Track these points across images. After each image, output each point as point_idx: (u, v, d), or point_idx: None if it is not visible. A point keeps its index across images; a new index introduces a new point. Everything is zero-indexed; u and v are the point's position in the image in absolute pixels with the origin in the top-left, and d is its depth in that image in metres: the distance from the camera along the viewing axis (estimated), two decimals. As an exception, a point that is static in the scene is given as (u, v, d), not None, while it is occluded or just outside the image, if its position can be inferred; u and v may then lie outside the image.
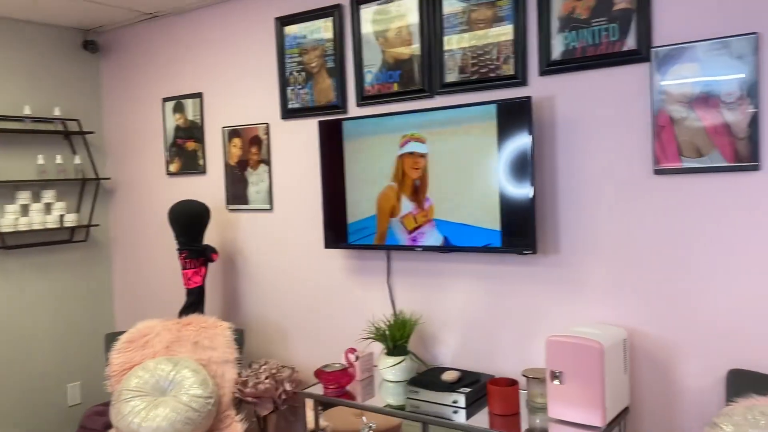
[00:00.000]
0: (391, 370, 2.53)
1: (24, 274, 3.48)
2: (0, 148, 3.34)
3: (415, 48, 2.63)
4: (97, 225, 3.76)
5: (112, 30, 3.74)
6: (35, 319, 3.53)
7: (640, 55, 2.14)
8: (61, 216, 3.55)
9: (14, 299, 3.44)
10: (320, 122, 2.80)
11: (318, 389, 2.56)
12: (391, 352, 2.55)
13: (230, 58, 3.26)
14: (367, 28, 2.76)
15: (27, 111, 3.42)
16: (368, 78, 2.78)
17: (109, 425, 3.23)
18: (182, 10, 3.39)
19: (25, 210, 3.42)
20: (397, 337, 2.55)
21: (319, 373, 2.54)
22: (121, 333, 2.98)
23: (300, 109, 3.01)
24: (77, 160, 3.63)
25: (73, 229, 3.65)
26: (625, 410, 2.15)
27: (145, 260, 3.74)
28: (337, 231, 2.79)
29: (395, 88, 2.70)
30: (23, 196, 3.41)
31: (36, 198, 3.49)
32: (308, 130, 3.00)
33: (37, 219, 3.44)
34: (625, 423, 2.26)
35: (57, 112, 3.55)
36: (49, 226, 3.49)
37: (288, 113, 3.05)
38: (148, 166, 3.67)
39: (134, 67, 3.68)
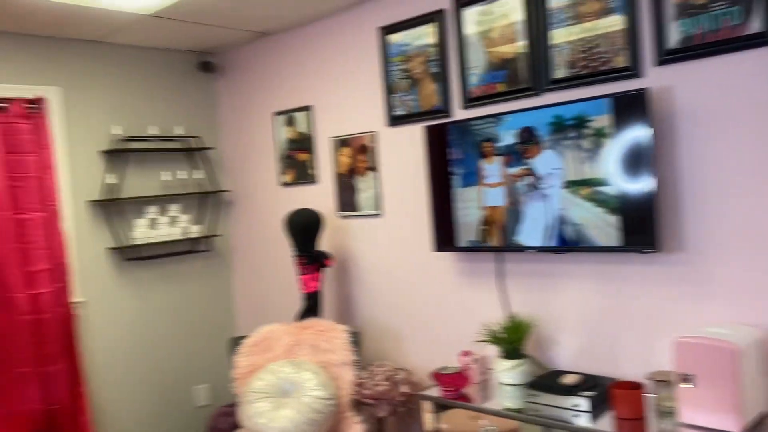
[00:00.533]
0: (508, 373, 2.51)
1: (153, 282, 3.74)
2: (130, 166, 3.61)
3: (520, 46, 2.60)
4: (219, 235, 3.99)
5: (226, 51, 3.95)
6: (163, 324, 3.79)
7: (766, 38, 2.01)
8: (186, 228, 3.80)
9: (144, 306, 3.71)
10: (426, 127, 2.82)
11: (435, 391, 2.58)
12: (507, 355, 2.53)
13: (336, 70, 3.36)
14: (469, 29, 2.76)
15: (152, 131, 3.69)
16: (472, 80, 2.78)
17: (235, 425, 3.41)
18: (290, 27, 3.54)
19: (153, 223, 3.68)
20: (513, 339, 2.52)
21: (436, 376, 2.56)
22: (244, 337, 3.14)
23: (405, 116, 3.05)
24: (198, 174, 3.87)
25: (196, 240, 3.89)
26: (763, 416, 2.02)
27: (262, 267, 3.91)
28: (446, 234, 2.80)
29: (500, 88, 2.69)
30: (151, 210, 3.68)
31: (163, 212, 3.75)
32: (414, 135, 3.04)
33: (165, 231, 3.70)
34: (763, 430, 2.12)
35: (179, 131, 3.80)
36: (175, 237, 3.74)
37: (393, 120, 3.10)
38: (262, 178, 3.84)
39: (247, 85, 3.87)
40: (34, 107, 3.25)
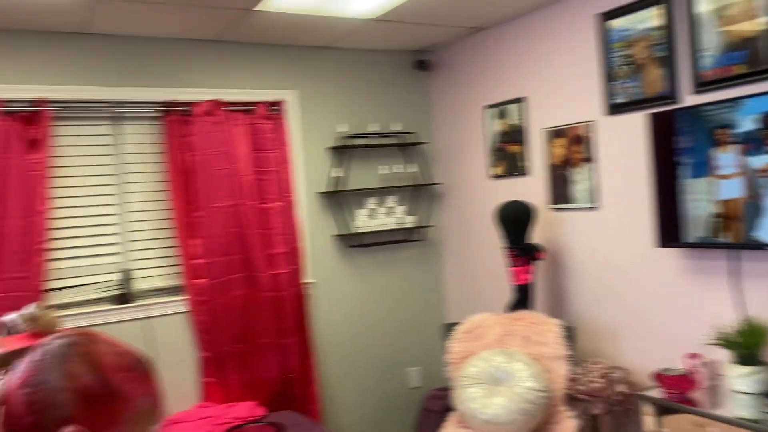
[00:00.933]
0: (742, 380, 2.31)
1: (372, 267, 4.02)
2: (353, 161, 3.91)
3: (763, 22, 2.36)
4: (431, 226, 4.16)
5: (440, 48, 4.09)
6: (380, 307, 4.05)
7: None
8: (401, 218, 4.02)
9: (364, 289, 4.00)
10: (651, 114, 2.68)
11: (656, 393, 2.46)
12: (742, 361, 2.33)
13: (551, 60, 3.32)
14: (702, 8, 2.57)
15: (372, 128, 3.95)
16: (705, 62, 2.58)
17: (447, 408, 3.54)
18: (504, 21, 3.57)
19: (372, 213, 3.95)
20: (749, 344, 2.31)
21: (660, 377, 2.44)
22: (456, 324, 3.25)
23: (626, 104, 2.92)
24: (412, 168, 4.07)
25: (410, 230, 4.10)
26: None
27: (472, 257, 4.01)
28: (671, 228, 2.64)
29: (738, 70, 2.46)
30: (371, 201, 3.95)
31: (381, 203, 4.00)
32: (635, 123, 2.90)
33: (382, 221, 3.95)
34: None
35: (396, 127, 4.03)
36: (391, 227, 3.98)
37: (613, 108, 2.99)
38: (473, 171, 3.93)
39: (459, 80, 3.98)
40: (274, 109, 3.67)
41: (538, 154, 3.45)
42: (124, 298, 3.30)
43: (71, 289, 3.24)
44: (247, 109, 3.61)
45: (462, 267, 4.11)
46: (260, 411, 3.37)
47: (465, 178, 4.01)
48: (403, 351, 4.12)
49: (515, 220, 3.21)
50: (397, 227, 4.00)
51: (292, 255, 3.66)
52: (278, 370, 3.62)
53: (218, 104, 3.49)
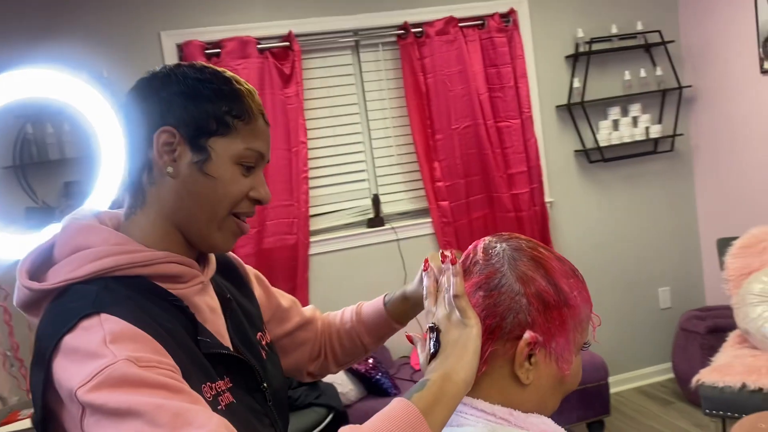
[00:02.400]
0: None
1: (613, 184, 3.76)
2: (592, 68, 3.61)
3: None
4: (680, 135, 3.77)
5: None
6: (625, 225, 3.80)
7: None
8: (647, 128, 3.68)
9: (605, 207, 3.76)
10: None
11: None
12: None
13: None
14: None
15: (614, 30, 3.61)
16: None
17: (712, 328, 3.27)
18: None
19: (615, 125, 3.66)
20: None
21: None
22: (733, 239, 2.93)
23: None
24: (658, 71, 3.68)
25: (656, 141, 3.75)
26: None
27: (733, 167, 3.57)
28: None
29: None
30: (614, 112, 3.66)
31: (624, 113, 3.69)
32: None
33: (626, 132, 3.65)
34: None
35: (639, 27, 3.64)
36: (636, 138, 3.66)
37: None
38: (735, 68, 3.45)
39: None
40: (506, 20, 3.49)
41: (829, 38, 2.91)
42: (375, 221, 3.43)
43: (328, 215, 3.43)
44: (479, 23, 3.47)
45: (719, 179, 3.69)
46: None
47: (724, 78, 3.54)
48: (651, 270, 3.86)
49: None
50: (641, 138, 3.68)
51: (532, 174, 3.54)
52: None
53: (451, 21, 3.39)
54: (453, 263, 0.87)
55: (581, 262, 3.70)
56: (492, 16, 3.45)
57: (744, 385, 2.48)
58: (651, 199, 3.83)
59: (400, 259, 3.44)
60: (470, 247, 0.94)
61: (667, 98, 3.76)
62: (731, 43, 3.45)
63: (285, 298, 1.20)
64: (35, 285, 0.86)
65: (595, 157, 3.68)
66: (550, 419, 0.89)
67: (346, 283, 3.37)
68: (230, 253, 1.12)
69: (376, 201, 3.45)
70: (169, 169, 0.90)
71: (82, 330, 0.79)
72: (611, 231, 3.78)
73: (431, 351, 0.85)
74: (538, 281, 0.85)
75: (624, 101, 3.69)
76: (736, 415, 2.44)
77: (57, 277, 0.86)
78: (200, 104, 0.90)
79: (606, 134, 3.63)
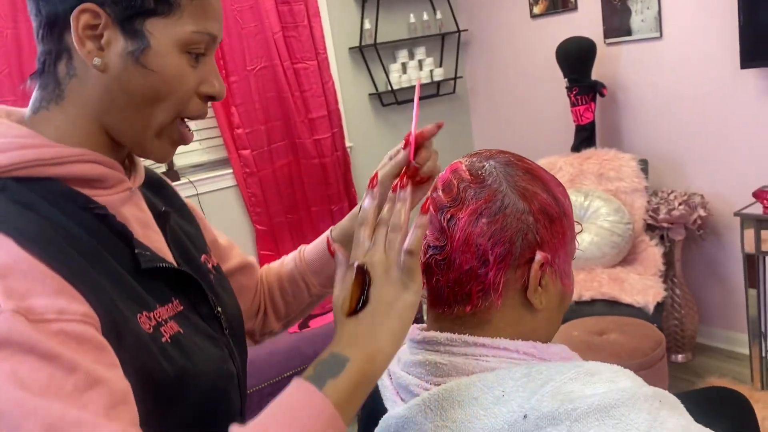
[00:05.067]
0: None
1: (405, 126, 3.86)
2: (382, 10, 3.59)
3: None
4: (460, 77, 3.99)
5: None
6: (416, 168, 3.94)
7: None
8: (431, 71, 3.82)
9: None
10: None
11: (755, 210, 2.53)
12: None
13: None
14: None
15: (399, -29, 3.63)
16: None
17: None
18: None
19: (404, 68, 3.73)
20: None
21: (760, 194, 2.50)
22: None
23: None
24: (438, 15, 3.82)
25: (438, 83, 3.91)
26: None
27: (507, 107, 3.90)
28: (758, 47, 2.60)
29: None
30: (402, 55, 3.71)
31: (411, 56, 3.77)
32: (713, -60, 2.76)
33: (413, 75, 3.74)
34: None
35: (421, -31, 3.71)
36: (423, 81, 3.78)
37: (685, -74, 2.82)
38: (507, 13, 3.72)
39: None
40: (295, -45, 3.29)
41: (587, -13, 3.28)
42: (169, 174, 3.04)
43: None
44: (267, -45, 3.22)
45: (493, 118, 4.01)
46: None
47: (497, 22, 3.80)
48: (440, 208, 4.07)
49: (578, 57, 3.10)
50: (427, 82, 3.81)
51: (332, 118, 3.45)
52: (331, 238, 3.52)
53: (238, -49, 3.09)
54: (403, 188, 0.73)
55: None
56: (279, -52, 3.22)
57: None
58: (436, 140, 4.00)
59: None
60: (445, 173, 0.82)
61: (447, 42, 3.93)
62: (502, -11, 3.70)
63: (222, 237, 1.03)
64: None
65: (388, 100, 3.72)
66: (564, 345, 0.83)
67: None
68: (156, 171, 0.94)
69: (169, 153, 3.06)
70: (96, 60, 0.70)
71: None
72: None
73: (355, 305, 0.69)
74: (539, 195, 0.77)
75: (410, 44, 3.77)
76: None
77: None
78: None
79: (396, 77, 3.68)
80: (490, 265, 0.75)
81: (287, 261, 1.06)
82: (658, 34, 3.04)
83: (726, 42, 2.80)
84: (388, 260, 0.70)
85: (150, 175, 0.89)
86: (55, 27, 0.70)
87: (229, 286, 0.93)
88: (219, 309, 0.84)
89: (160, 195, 0.89)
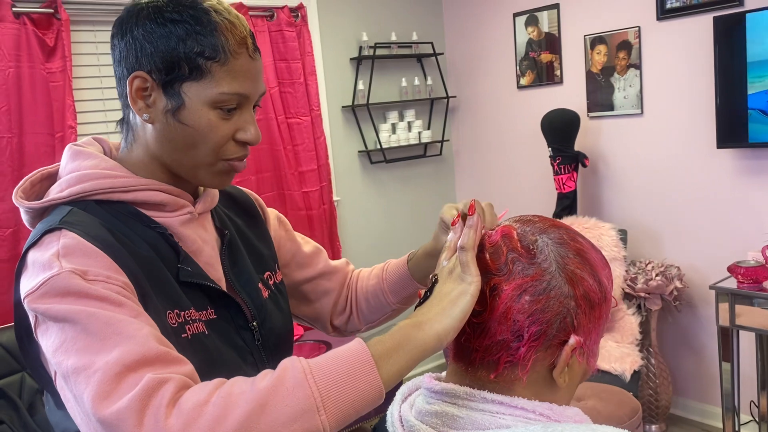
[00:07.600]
0: (814, 267, 2.48)
1: (391, 184, 3.94)
2: (375, 72, 3.73)
3: None
4: (447, 140, 4.10)
5: (454, -48, 3.92)
6: (399, 224, 3.99)
7: None
8: (419, 133, 3.93)
9: (384, 206, 3.92)
10: (716, 18, 2.72)
11: (729, 284, 2.60)
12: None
13: (593, -37, 3.26)
14: None
15: (393, 38, 3.78)
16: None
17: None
18: None
19: (393, 128, 3.84)
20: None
21: (734, 269, 2.58)
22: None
23: (681, 8, 2.94)
24: (429, 80, 3.96)
25: (426, 145, 4.02)
26: None
27: (490, 171, 4.00)
28: (733, 130, 2.73)
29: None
30: (392, 116, 3.83)
31: (401, 117, 3.89)
32: (692, 28, 2.93)
33: (402, 136, 3.85)
34: None
35: (414, 37, 3.87)
36: (411, 142, 3.89)
37: (666, 13, 3.00)
38: (495, 82, 3.87)
39: (478, -13, 3.84)
40: (296, 14, 3.42)
41: (574, 62, 3.44)
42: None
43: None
44: (268, 14, 3.34)
45: (475, 180, 4.11)
46: (299, 330, 3.30)
47: (486, 90, 3.95)
48: (422, 266, 4.11)
49: (562, 127, 3.22)
50: (415, 143, 3.91)
51: (322, 172, 3.52)
52: (313, 290, 3.53)
53: (241, 8, 3.20)
54: (471, 214, 0.82)
55: (365, 259, 3.84)
56: (282, 8, 3.35)
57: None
58: (421, 199, 4.09)
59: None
60: (495, 234, 0.81)
61: (436, 106, 4.06)
62: (492, 59, 3.86)
63: (309, 245, 1.20)
64: (25, 203, 0.88)
65: (376, 158, 3.81)
66: (578, 408, 0.85)
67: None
68: (253, 193, 1.16)
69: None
70: (145, 116, 0.89)
71: (43, 244, 0.81)
72: (390, 228, 3.95)
73: (420, 300, 0.80)
74: (586, 281, 0.78)
75: (401, 106, 3.89)
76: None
77: (46, 197, 0.89)
78: (172, 46, 0.86)
79: (386, 137, 3.78)
80: (524, 341, 0.76)
81: (374, 274, 1.19)
82: (639, 111, 3.19)
83: (704, 122, 2.95)
84: (451, 265, 0.80)
85: (243, 199, 1.10)
86: (124, 85, 0.89)
87: (285, 303, 1.07)
88: (255, 323, 0.98)
89: (239, 213, 1.08)
